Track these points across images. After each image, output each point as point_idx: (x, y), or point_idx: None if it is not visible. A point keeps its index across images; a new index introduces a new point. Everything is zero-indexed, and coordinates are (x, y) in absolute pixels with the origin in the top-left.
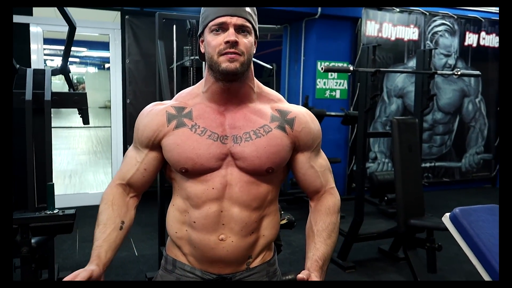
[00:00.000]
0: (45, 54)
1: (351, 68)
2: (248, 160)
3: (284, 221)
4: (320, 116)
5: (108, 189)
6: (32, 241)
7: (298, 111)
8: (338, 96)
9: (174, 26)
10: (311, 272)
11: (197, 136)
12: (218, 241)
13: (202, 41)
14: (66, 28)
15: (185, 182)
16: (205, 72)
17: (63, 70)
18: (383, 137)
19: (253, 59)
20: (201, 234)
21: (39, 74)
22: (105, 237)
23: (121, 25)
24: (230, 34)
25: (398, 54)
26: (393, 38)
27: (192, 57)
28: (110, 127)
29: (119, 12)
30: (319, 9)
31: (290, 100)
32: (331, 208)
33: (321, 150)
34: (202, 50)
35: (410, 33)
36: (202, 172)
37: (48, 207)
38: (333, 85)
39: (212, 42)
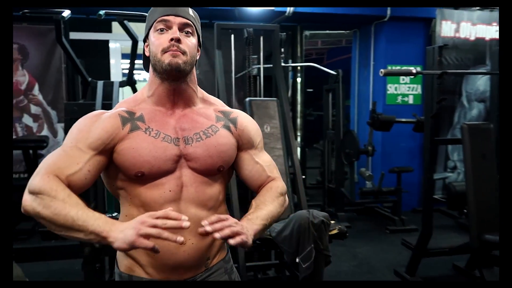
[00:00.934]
0: (124, 69)
1: (414, 71)
2: (201, 160)
3: (334, 231)
4: (389, 123)
5: (44, 179)
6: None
7: (239, 111)
8: (411, 101)
9: (232, 35)
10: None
11: (152, 138)
12: (178, 245)
13: (147, 46)
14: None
15: (139, 188)
16: (150, 76)
17: (129, 82)
18: (453, 144)
19: (319, 66)
20: (160, 240)
21: (108, 86)
22: (92, 210)
23: None
24: (174, 32)
25: (479, 54)
26: (472, 38)
27: (259, 66)
28: None
29: None
30: (388, 11)
31: (360, 107)
32: (273, 188)
33: (265, 152)
34: (147, 54)
35: (492, 32)
36: (158, 175)
37: (108, 211)
38: (405, 90)
39: (157, 41)
